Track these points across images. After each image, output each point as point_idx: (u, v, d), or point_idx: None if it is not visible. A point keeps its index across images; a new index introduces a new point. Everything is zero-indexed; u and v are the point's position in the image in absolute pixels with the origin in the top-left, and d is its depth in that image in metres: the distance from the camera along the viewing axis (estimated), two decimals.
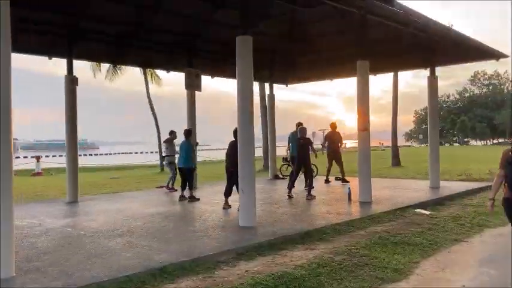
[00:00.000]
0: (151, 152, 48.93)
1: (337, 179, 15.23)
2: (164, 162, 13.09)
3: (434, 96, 13.41)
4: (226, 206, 9.81)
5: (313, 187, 11.69)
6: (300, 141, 11.58)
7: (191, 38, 13.78)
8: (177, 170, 12.37)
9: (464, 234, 7.64)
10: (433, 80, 13.29)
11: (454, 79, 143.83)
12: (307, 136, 11.92)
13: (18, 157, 49.24)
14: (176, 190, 12.42)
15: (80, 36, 11.63)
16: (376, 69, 15.90)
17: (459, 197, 11.26)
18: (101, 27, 11.81)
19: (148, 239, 6.87)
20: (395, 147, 22.93)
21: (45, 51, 11.63)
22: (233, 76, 10.28)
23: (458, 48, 13.41)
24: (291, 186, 11.58)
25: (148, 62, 14.95)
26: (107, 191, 14.40)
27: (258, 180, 16.61)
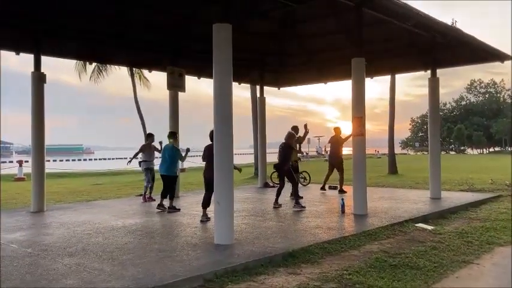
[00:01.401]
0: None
1: (331, 187, 14.24)
2: (141, 168, 11.96)
3: (435, 99, 12.42)
4: (204, 218, 8.78)
5: (301, 197, 10.69)
6: (280, 147, 10.61)
7: (175, 35, 12.78)
8: (155, 177, 11.32)
9: (473, 254, 6.61)
10: (434, 82, 12.32)
11: (450, 88, 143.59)
12: (296, 139, 10.95)
13: (4, 162, 48.12)
14: (154, 200, 11.37)
15: (49, 31, 10.61)
16: (373, 71, 15.00)
17: (463, 209, 10.25)
18: (74, 22, 10.78)
19: (103, 260, 5.80)
20: (392, 155, 21.94)
21: (11, 45, 10.57)
22: None
23: (461, 49, 12.51)
24: (277, 196, 10.59)
25: (130, 60, 13.91)
26: (82, 198, 13.32)
27: (246, 189, 15.75)
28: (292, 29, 14.44)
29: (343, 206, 9.60)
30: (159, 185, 10.98)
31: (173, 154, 10.08)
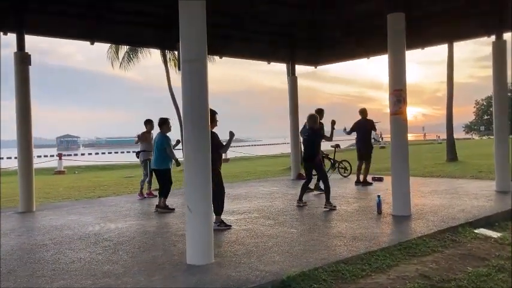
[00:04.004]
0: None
1: (375, 179, 12.15)
2: (139, 160, 10.34)
3: (501, 69, 9.88)
4: None
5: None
6: (304, 135, 8.62)
7: None
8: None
9: None
10: (500, 46, 9.82)
11: None
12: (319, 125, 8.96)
13: (81, 154, 48.87)
14: (156, 196, 9.78)
15: (32, 7, 9.22)
16: (423, 41, 12.63)
17: None
18: None
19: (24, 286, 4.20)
20: (450, 140, 19.18)
21: None
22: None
23: None
24: (301, 192, 8.67)
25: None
26: (95, 194, 12.00)
27: (277, 181, 13.83)
28: None
29: (379, 204, 7.53)
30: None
31: (162, 144, 8.38)
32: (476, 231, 6.40)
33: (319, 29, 13.97)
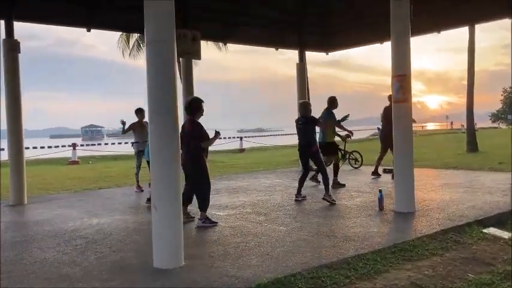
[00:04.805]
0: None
1: (386, 171, 11.52)
2: (134, 150, 9.92)
3: None
4: (185, 218, 6.57)
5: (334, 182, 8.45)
6: (298, 124, 8.04)
7: None
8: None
9: None
10: None
11: None
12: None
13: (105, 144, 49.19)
14: (143, 191, 9.42)
15: None
16: (439, 23, 11.87)
17: None
18: None
19: None
20: (471, 129, 18.26)
21: None
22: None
23: None
24: (299, 185, 8.17)
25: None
26: (87, 187, 11.68)
27: (283, 173, 13.19)
28: None
29: (380, 200, 6.95)
30: None
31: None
32: (485, 230, 5.78)
33: (329, 14, 13.36)
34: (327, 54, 15.44)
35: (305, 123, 7.90)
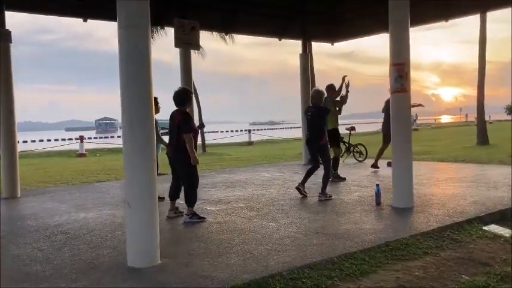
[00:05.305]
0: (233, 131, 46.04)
1: (389, 164, 11.16)
2: None
3: None
4: (172, 213, 6.38)
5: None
6: (307, 115, 7.67)
7: None
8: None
9: None
10: None
11: None
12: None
13: (118, 136, 49.27)
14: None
15: None
16: (447, 11, 11.44)
17: None
18: None
19: None
20: (481, 122, 17.75)
21: None
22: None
23: None
24: (305, 178, 7.75)
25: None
26: (87, 180, 11.52)
27: (286, 166, 12.81)
28: None
29: (378, 195, 6.65)
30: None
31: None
32: (485, 228, 5.46)
33: (334, 2, 12.94)
34: (332, 44, 15.08)
35: (315, 113, 7.51)
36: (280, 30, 13.21)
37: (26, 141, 47.80)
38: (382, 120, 11.01)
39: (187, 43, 10.68)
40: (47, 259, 4.55)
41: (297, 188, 7.60)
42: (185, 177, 6.07)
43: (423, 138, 25.16)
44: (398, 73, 6.32)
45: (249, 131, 32.27)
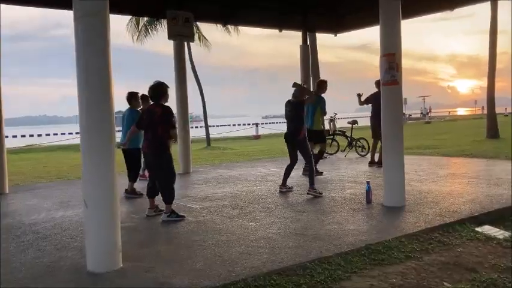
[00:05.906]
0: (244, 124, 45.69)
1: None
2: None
3: None
4: (152, 212, 6.14)
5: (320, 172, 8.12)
6: (287, 109, 7.35)
7: None
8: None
9: None
10: None
11: None
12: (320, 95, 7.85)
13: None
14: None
15: None
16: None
17: None
18: None
19: None
20: (491, 115, 17.20)
21: None
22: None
23: None
24: (285, 176, 7.58)
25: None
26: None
27: (285, 161, 12.25)
28: None
29: (368, 193, 6.32)
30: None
31: (130, 121, 7.41)
32: (478, 229, 5.11)
33: None
34: (335, 35, 14.65)
35: (293, 107, 7.22)
36: (280, 22, 12.85)
37: (40, 135, 48.25)
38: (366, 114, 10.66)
39: (181, 35, 10.42)
40: (7, 261, 4.33)
41: (281, 192, 7.39)
42: (160, 174, 5.83)
43: (434, 132, 24.64)
44: (390, 64, 5.97)
45: (256, 124, 31.94)
